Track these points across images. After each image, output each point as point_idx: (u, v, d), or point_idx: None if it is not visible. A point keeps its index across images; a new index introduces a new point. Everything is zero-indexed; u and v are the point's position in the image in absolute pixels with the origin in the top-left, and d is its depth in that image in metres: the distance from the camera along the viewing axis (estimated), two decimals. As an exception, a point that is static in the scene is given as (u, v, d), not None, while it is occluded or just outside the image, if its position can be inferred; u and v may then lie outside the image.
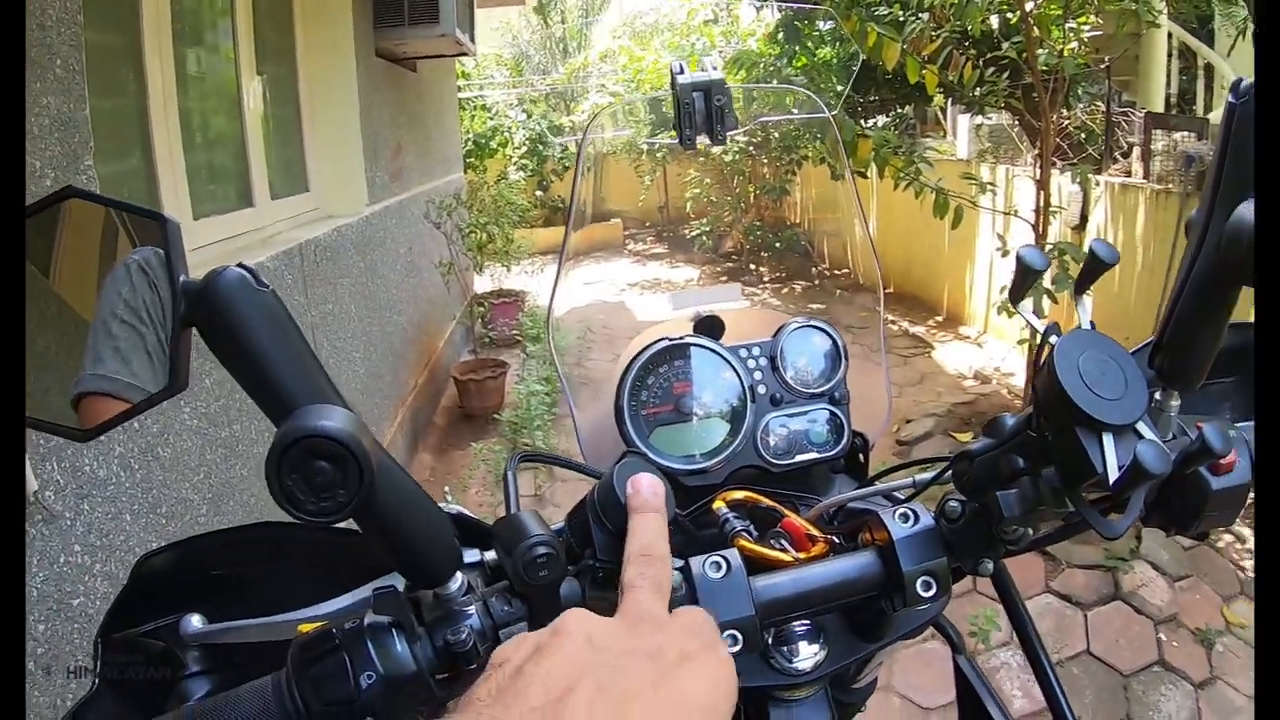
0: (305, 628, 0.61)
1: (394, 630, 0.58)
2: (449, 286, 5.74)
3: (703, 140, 1.02)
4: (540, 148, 10.91)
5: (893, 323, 7.74)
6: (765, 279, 9.94)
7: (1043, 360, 0.65)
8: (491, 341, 6.48)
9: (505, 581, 0.63)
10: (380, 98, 4.60)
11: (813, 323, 1.08)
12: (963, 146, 7.83)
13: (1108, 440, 0.61)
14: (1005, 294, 3.76)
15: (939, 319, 7.75)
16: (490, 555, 0.68)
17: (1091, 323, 0.68)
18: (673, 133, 1.03)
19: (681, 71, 1.01)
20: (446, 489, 4.34)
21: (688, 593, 0.68)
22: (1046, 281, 4.00)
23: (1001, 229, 5.33)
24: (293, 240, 3.14)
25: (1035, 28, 3.97)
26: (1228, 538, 3.89)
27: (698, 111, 1.00)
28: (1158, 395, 0.68)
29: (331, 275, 3.51)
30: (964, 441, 4.76)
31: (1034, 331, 0.69)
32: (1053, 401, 0.63)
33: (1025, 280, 0.71)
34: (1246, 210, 0.58)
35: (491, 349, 6.39)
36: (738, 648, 0.65)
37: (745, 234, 10.20)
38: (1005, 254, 4.58)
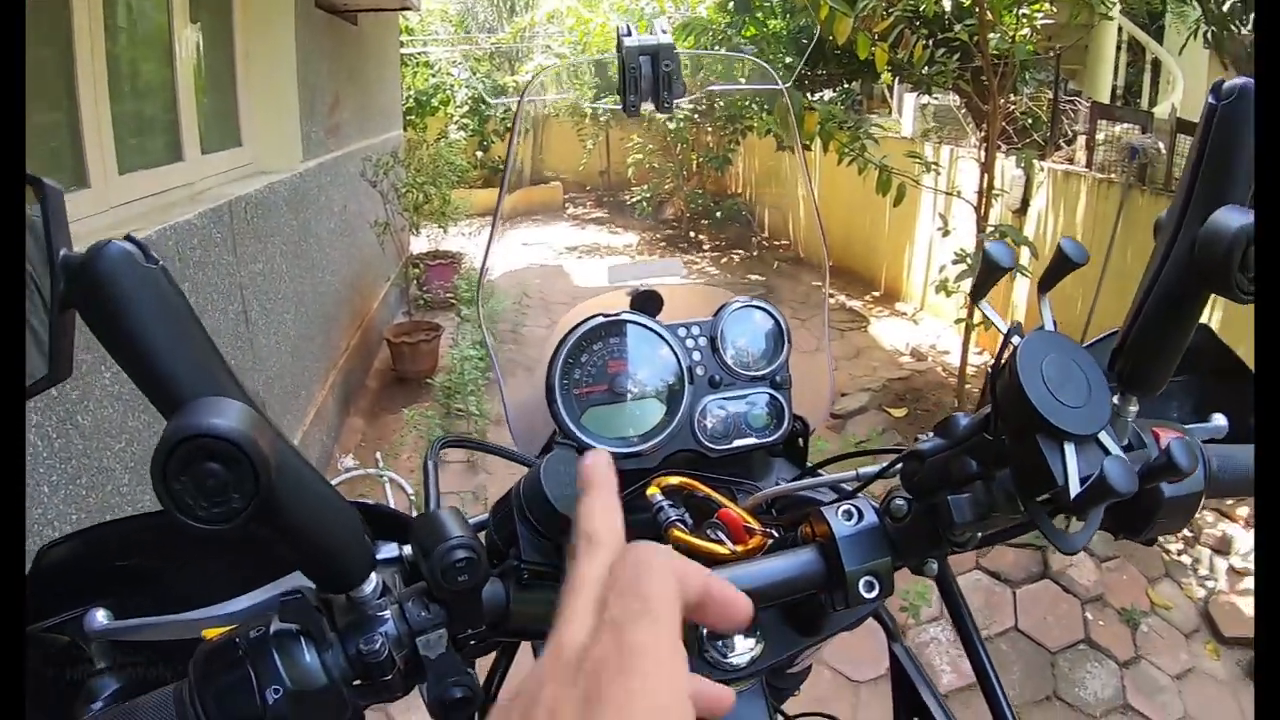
0: (210, 633, 0.57)
1: (302, 639, 0.54)
2: (384, 247, 5.61)
3: (648, 107, 0.96)
4: (482, 107, 10.70)
5: (831, 296, 7.72)
6: (705, 247, 9.92)
7: (1003, 361, 0.62)
8: (426, 304, 6.37)
9: (424, 583, 0.59)
10: (319, 50, 4.45)
11: (755, 302, 1.04)
12: (908, 125, 7.86)
13: (1069, 450, 0.58)
14: (944, 273, 3.81)
15: (876, 294, 7.82)
16: (409, 551, 0.63)
17: (1054, 322, 0.65)
18: (617, 98, 0.97)
19: (629, 34, 0.95)
20: (378, 455, 4.26)
21: None
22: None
23: (943, 209, 5.36)
24: (223, 197, 3.01)
25: (989, 12, 3.97)
26: (1154, 521, 3.98)
27: (644, 77, 0.94)
28: (1116, 400, 0.65)
29: (263, 233, 3.39)
30: (898, 416, 4.84)
31: (995, 329, 0.65)
32: (1013, 406, 0.59)
33: (990, 276, 0.67)
34: (1224, 216, 0.55)
35: (426, 311, 6.27)
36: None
37: (686, 202, 10.14)
38: (946, 234, 4.61)
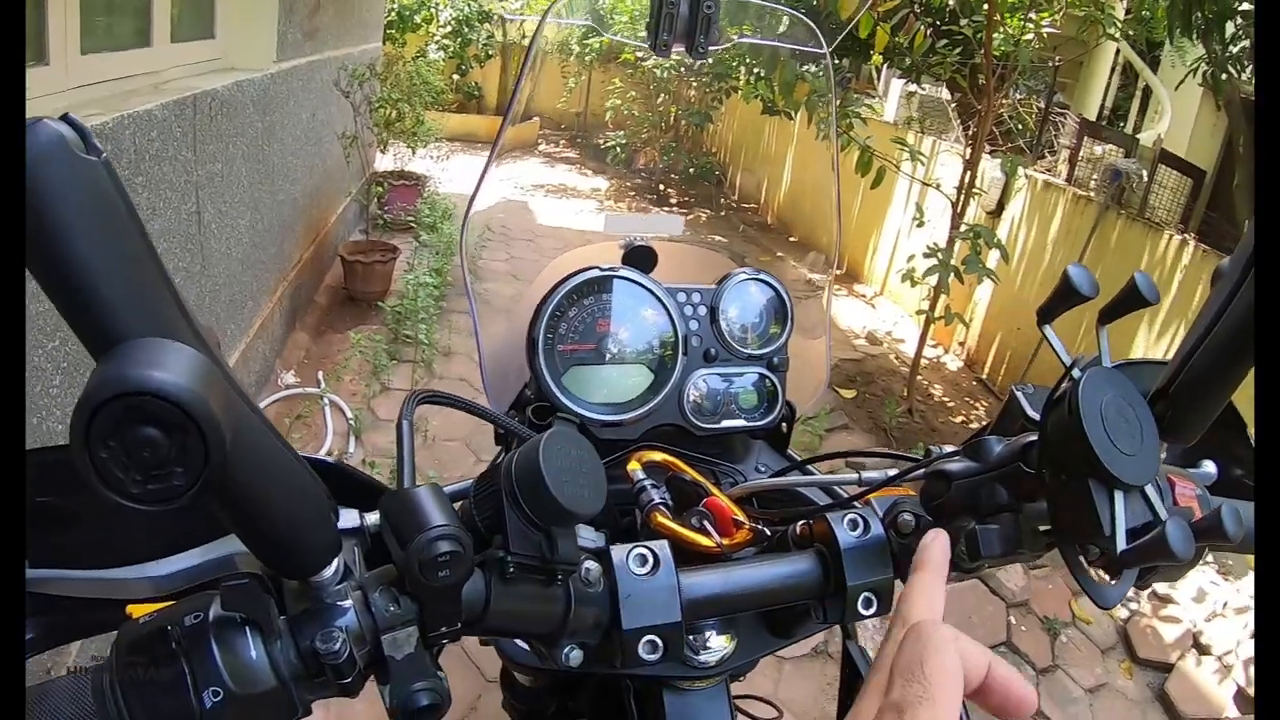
0: (136, 609, 0.48)
1: (248, 630, 0.46)
2: (349, 161, 5.44)
3: (679, 50, 0.89)
4: (465, 30, 10.41)
5: (793, 267, 7.76)
6: (672, 201, 9.85)
7: (1060, 393, 0.58)
8: (386, 224, 6.20)
9: (391, 567, 0.51)
10: (307, -56, 4.24)
11: (762, 275, 1.00)
12: (891, 110, 7.82)
13: (1119, 500, 0.55)
14: (911, 263, 3.78)
15: (838, 273, 7.80)
16: (373, 518, 0.55)
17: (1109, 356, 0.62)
18: (644, 34, 0.90)
19: None
20: (320, 374, 4.16)
21: (605, 588, 0.59)
22: (955, 260, 4.03)
23: (919, 199, 5.33)
24: (188, 90, 2.85)
25: (997, 11, 3.92)
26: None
27: (680, 16, 0.87)
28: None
29: (226, 133, 3.23)
30: (847, 396, 4.85)
31: (1060, 361, 0.61)
32: (1068, 444, 0.56)
33: (1065, 301, 0.62)
34: None
35: (384, 232, 6.11)
36: (656, 655, 0.57)
37: (661, 153, 10.03)
38: (920, 224, 4.59)
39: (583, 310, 0.90)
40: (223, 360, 0.40)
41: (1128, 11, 4.28)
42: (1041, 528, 0.62)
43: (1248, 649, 3.22)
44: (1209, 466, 0.73)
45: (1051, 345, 0.62)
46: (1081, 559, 0.58)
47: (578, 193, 9.82)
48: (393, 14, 9.28)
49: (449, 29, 10.47)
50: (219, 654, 0.45)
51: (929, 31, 4.31)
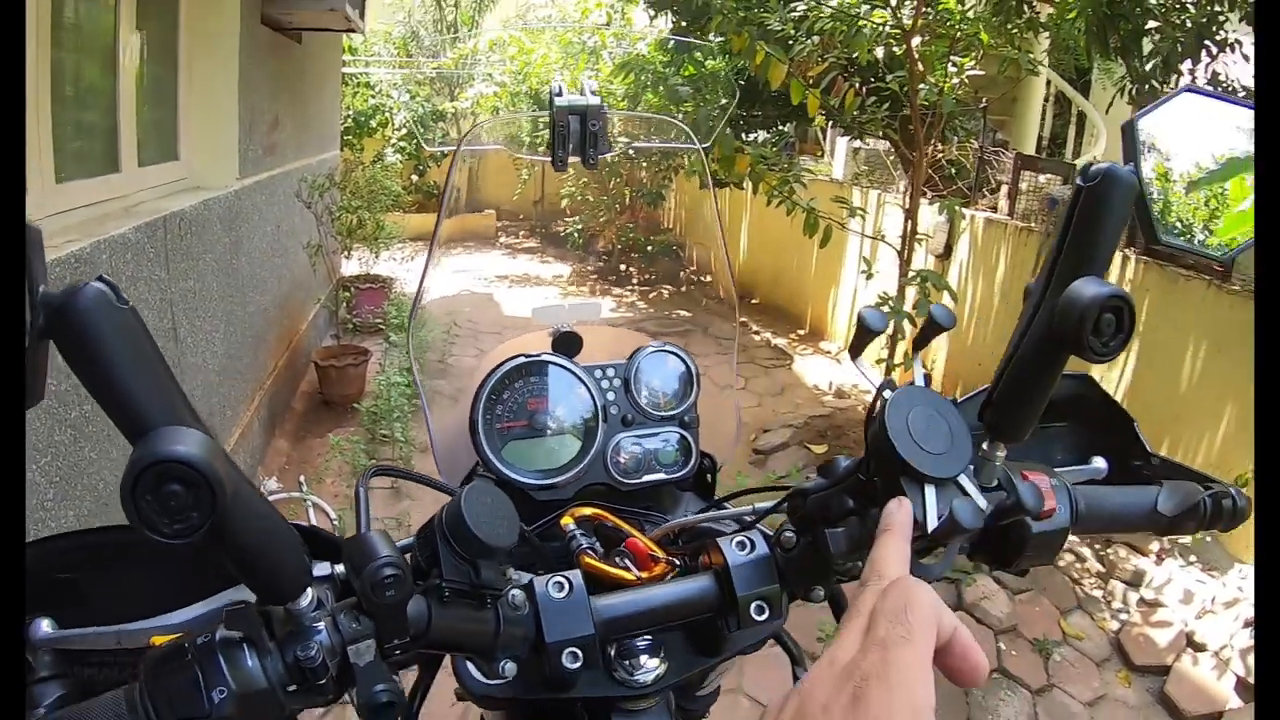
0: (158, 640, 0.62)
1: (245, 645, 0.59)
2: (315, 269, 5.58)
3: (574, 161, 1.04)
4: (420, 129, 10.69)
5: (757, 333, 7.93)
6: (634, 281, 10.04)
7: (875, 412, 0.71)
8: (355, 328, 6.32)
9: (354, 598, 0.64)
10: (262, 67, 4.44)
11: (667, 347, 1.12)
12: (839, 168, 8.05)
13: (929, 492, 0.67)
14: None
15: (802, 332, 7.97)
16: (341, 569, 0.68)
17: (926, 376, 0.74)
18: (547, 150, 1.04)
19: (560, 94, 1.02)
20: (301, 478, 4.20)
21: (530, 611, 0.72)
22: (907, 306, 4.18)
23: (869, 252, 5.51)
24: (158, 211, 2.99)
25: (919, 63, 4.12)
26: (1069, 556, 4.14)
27: (573, 134, 1.02)
28: (985, 446, 0.73)
29: (196, 250, 3.37)
30: (819, 453, 4.94)
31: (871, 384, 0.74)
32: (882, 452, 0.68)
33: (863, 338, 0.76)
34: (1081, 286, 0.63)
35: (355, 335, 6.23)
36: (577, 665, 0.69)
37: (618, 235, 10.25)
38: (870, 277, 4.75)
39: (514, 392, 1.03)
40: (218, 440, 0.55)
41: (1052, 42, 4.50)
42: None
43: (1243, 639, 3.25)
44: (1099, 463, 0.85)
45: (862, 374, 0.75)
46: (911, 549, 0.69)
47: (541, 281, 10.00)
48: (349, 121, 9.51)
49: (404, 131, 10.74)
50: (224, 662, 0.58)
51: (859, 89, 4.51)
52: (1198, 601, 3.58)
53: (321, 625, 0.62)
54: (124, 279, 2.56)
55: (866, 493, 0.73)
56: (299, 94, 5.58)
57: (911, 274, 4.32)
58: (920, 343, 0.78)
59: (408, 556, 0.66)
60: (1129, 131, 0.71)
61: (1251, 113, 0.74)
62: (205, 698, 0.56)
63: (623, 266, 10.35)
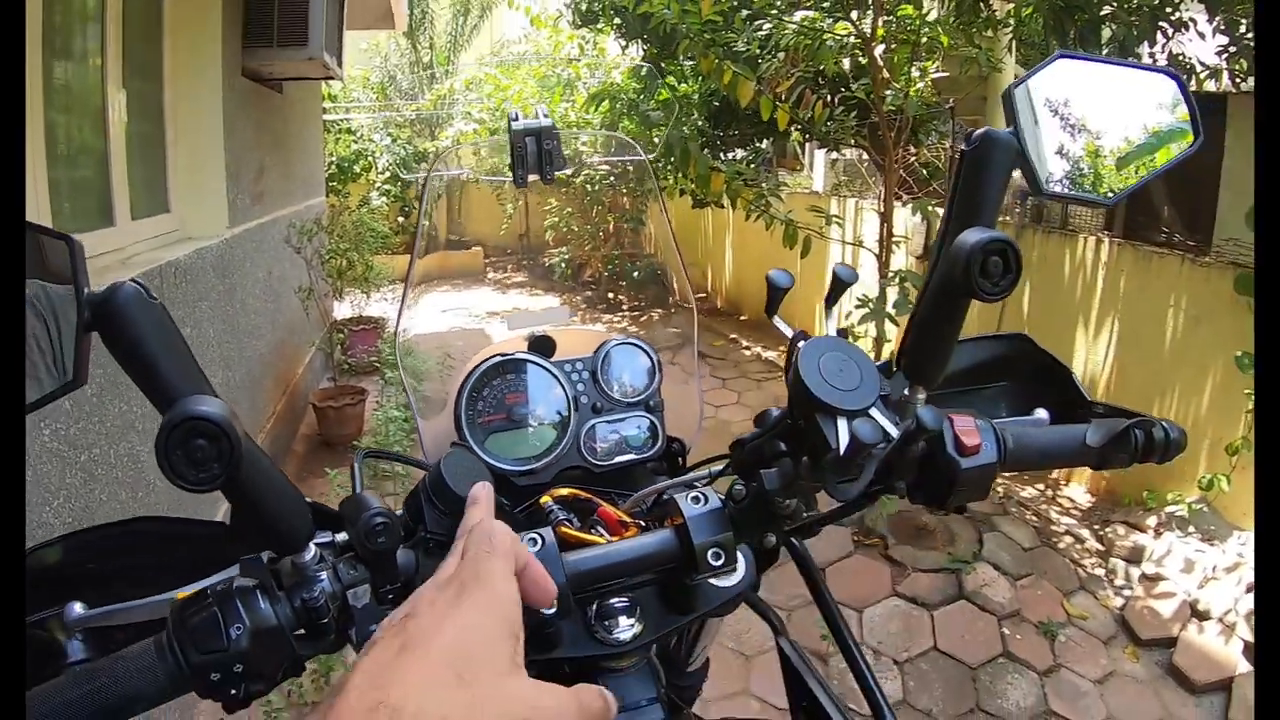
0: (181, 594, 0.69)
1: (258, 591, 0.67)
2: (308, 312, 5.65)
3: (533, 178, 1.15)
4: (403, 171, 10.82)
5: (747, 348, 8.04)
6: (624, 307, 10.12)
7: (792, 359, 0.80)
8: (351, 368, 6.39)
9: (352, 552, 0.73)
10: (245, 118, 4.54)
11: (630, 340, 1.23)
12: (819, 180, 8.17)
13: (841, 423, 0.76)
14: (849, 319, 4.03)
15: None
16: (340, 536, 0.77)
17: (840, 330, 0.85)
18: (509, 170, 1.15)
19: (516, 119, 1.14)
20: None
21: None
22: (889, 307, 4.26)
23: (850, 259, 5.60)
24: (153, 262, 3.08)
25: (883, 70, 4.22)
26: (1067, 539, 4.19)
27: (530, 154, 1.14)
28: (905, 391, 0.82)
29: (190, 298, 3.45)
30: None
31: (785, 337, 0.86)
32: (799, 394, 0.78)
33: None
34: (966, 235, 0.71)
35: (351, 376, 6.30)
36: (552, 611, 0.76)
37: (604, 262, 10.35)
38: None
39: (493, 389, 1.13)
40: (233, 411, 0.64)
41: (1014, 38, 4.60)
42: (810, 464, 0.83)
43: (1247, 603, 3.29)
44: (1041, 413, 0.91)
45: (779, 329, 0.86)
46: (831, 475, 0.78)
47: (531, 313, 10.03)
48: (332, 167, 9.61)
49: (388, 174, 10.87)
50: (240, 604, 0.66)
51: (828, 100, 4.61)
52: (1199, 570, 3.61)
53: (324, 575, 0.71)
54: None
55: (795, 435, 0.82)
56: (283, 143, 5.68)
57: (891, 274, 4.40)
58: (830, 300, 0.89)
59: (397, 518, 0.75)
60: (1008, 98, 0.79)
61: (1122, 69, 0.83)
62: (225, 634, 0.64)
63: (611, 294, 10.42)
